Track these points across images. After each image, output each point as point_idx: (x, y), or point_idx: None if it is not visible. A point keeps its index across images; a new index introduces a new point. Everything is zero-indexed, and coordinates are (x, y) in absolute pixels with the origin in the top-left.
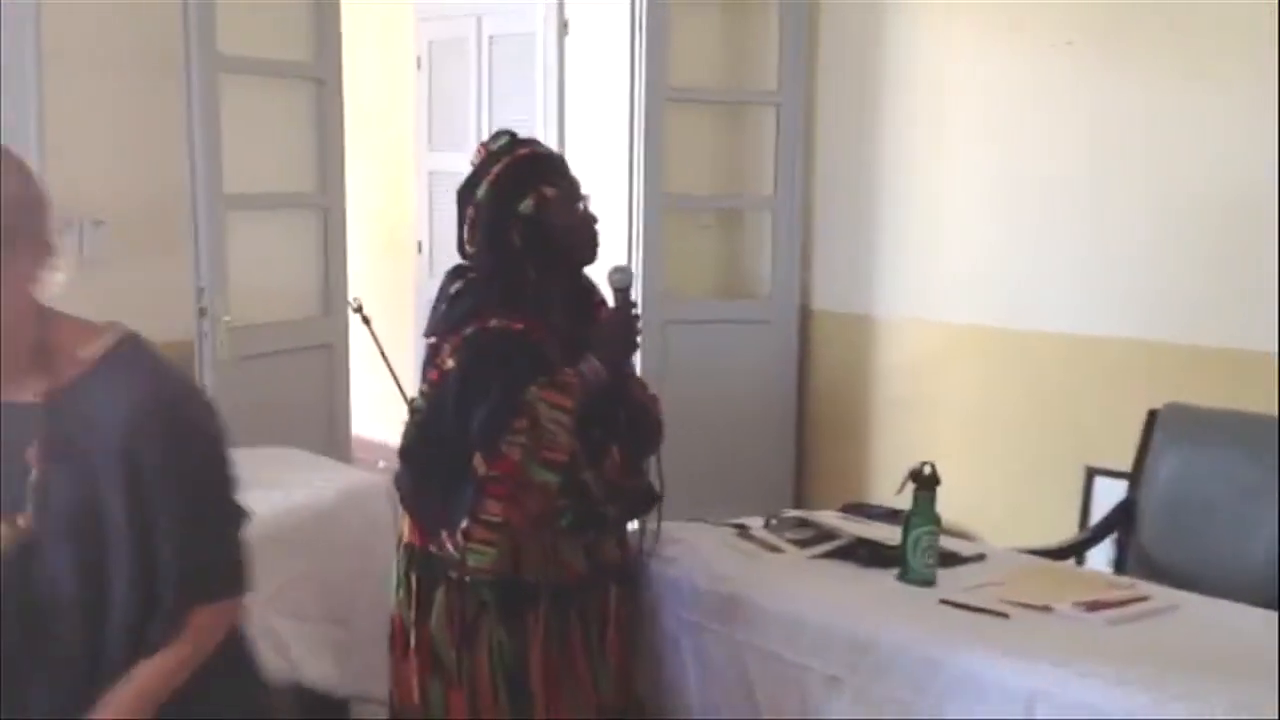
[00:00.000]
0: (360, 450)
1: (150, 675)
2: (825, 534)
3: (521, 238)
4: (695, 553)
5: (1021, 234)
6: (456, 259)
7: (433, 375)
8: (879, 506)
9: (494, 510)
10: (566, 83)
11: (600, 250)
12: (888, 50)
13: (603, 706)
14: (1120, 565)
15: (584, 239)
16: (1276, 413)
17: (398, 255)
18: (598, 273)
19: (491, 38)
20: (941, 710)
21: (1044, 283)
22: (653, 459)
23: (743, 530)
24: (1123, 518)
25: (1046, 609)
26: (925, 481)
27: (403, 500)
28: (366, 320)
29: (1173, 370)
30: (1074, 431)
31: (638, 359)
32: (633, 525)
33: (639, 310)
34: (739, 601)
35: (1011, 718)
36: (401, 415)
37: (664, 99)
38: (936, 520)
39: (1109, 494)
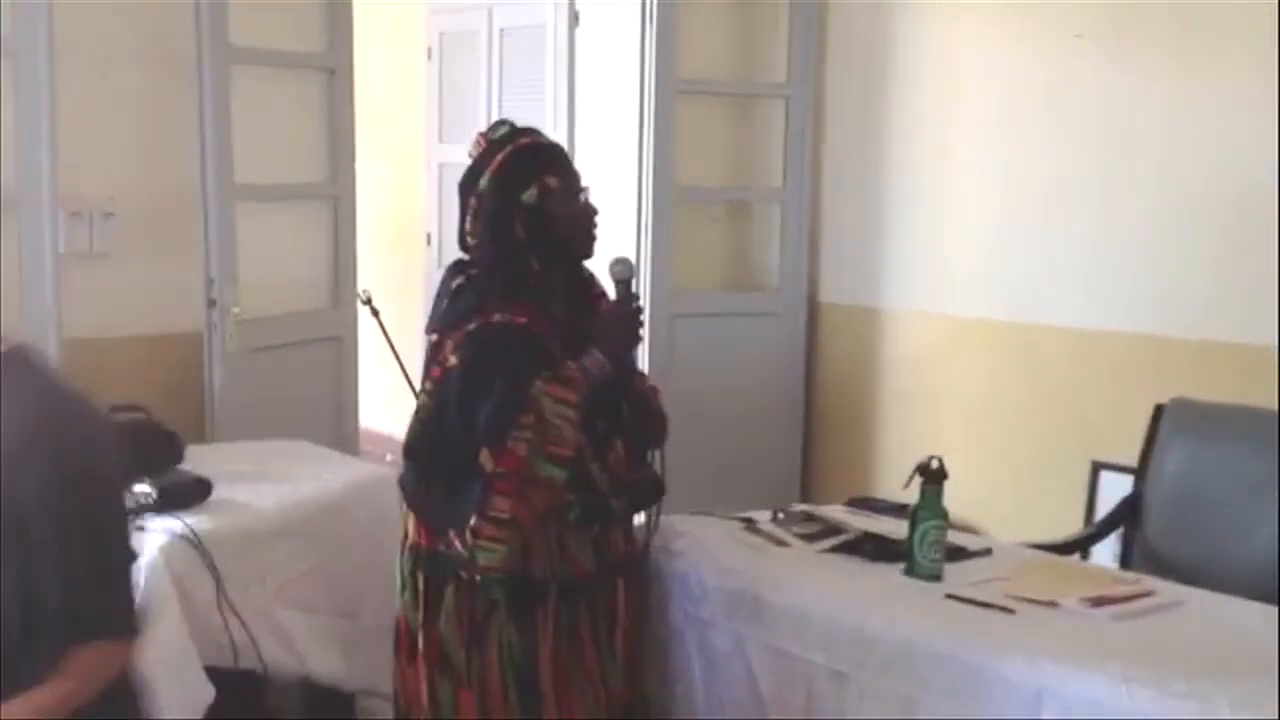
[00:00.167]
0: (368, 443)
1: (25, 708)
2: (832, 528)
3: (525, 228)
4: (701, 546)
5: (1028, 228)
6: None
7: (436, 373)
8: (885, 500)
9: (502, 507)
10: (577, 75)
11: (598, 244)
12: (897, 44)
13: (611, 701)
14: (1126, 560)
15: (583, 231)
16: (1278, 407)
17: (407, 247)
18: (598, 265)
19: (502, 30)
20: (947, 706)
21: (1051, 277)
22: (656, 454)
23: (750, 524)
24: (1128, 513)
25: (1052, 604)
26: (933, 476)
27: (407, 500)
28: (375, 312)
29: (1179, 365)
30: (1080, 426)
31: (643, 353)
32: (638, 519)
33: (640, 302)
34: (745, 596)
35: (1017, 714)
36: (410, 408)
37: (674, 91)
38: (944, 515)
39: (1115, 489)
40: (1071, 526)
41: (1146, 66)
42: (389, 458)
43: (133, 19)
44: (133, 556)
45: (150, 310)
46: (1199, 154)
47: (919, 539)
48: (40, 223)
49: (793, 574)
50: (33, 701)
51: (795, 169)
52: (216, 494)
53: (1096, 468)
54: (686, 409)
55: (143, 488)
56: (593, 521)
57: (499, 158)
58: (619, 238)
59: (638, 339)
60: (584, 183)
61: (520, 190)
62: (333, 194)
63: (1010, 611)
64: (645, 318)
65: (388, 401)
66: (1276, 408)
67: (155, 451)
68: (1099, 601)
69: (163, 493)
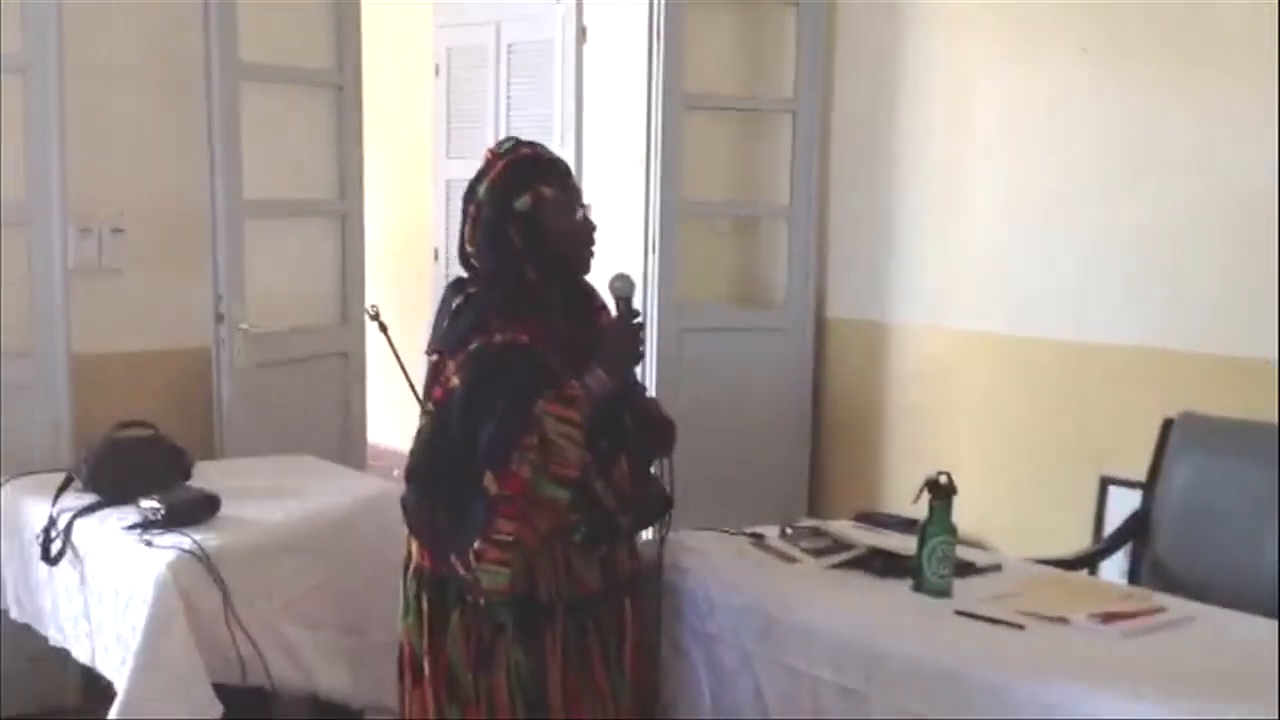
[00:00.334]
0: (376, 458)
1: None
2: (840, 544)
3: (520, 235)
4: (709, 562)
5: (1035, 242)
6: None
7: (437, 394)
8: (893, 515)
9: (506, 529)
10: (584, 89)
11: (605, 259)
12: (904, 59)
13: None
14: (1134, 576)
15: (580, 247)
16: (1277, 421)
17: (415, 263)
18: (599, 281)
19: (510, 45)
20: None
21: (1057, 291)
22: (665, 466)
23: (758, 539)
24: (1137, 528)
25: (1062, 621)
26: (941, 491)
27: (409, 524)
28: (383, 327)
29: (1188, 379)
30: (1088, 441)
31: (650, 367)
32: (646, 534)
33: (642, 318)
34: (753, 611)
35: None
36: (417, 423)
37: (681, 106)
38: (953, 530)
39: (1123, 503)
40: (1079, 541)
41: (1151, 81)
42: (396, 473)
43: (143, 36)
44: None
45: (159, 325)
46: (1204, 167)
47: (928, 555)
48: (50, 238)
49: (801, 590)
50: None
51: (802, 184)
52: (224, 510)
53: (1104, 482)
54: (693, 424)
55: (150, 503)
56: (599, 541)
57: (498, 167)
58: (626, 252)
59: (639, 355)
60: (585, 199)
61: (515, 197)
62: (341, 210)
63: (1020, 628)
64: (647, 334)
65: (395, 416)
66: (1278, 422)
67: (163, 467)
68: (1109, 618)
69: (171, 509)
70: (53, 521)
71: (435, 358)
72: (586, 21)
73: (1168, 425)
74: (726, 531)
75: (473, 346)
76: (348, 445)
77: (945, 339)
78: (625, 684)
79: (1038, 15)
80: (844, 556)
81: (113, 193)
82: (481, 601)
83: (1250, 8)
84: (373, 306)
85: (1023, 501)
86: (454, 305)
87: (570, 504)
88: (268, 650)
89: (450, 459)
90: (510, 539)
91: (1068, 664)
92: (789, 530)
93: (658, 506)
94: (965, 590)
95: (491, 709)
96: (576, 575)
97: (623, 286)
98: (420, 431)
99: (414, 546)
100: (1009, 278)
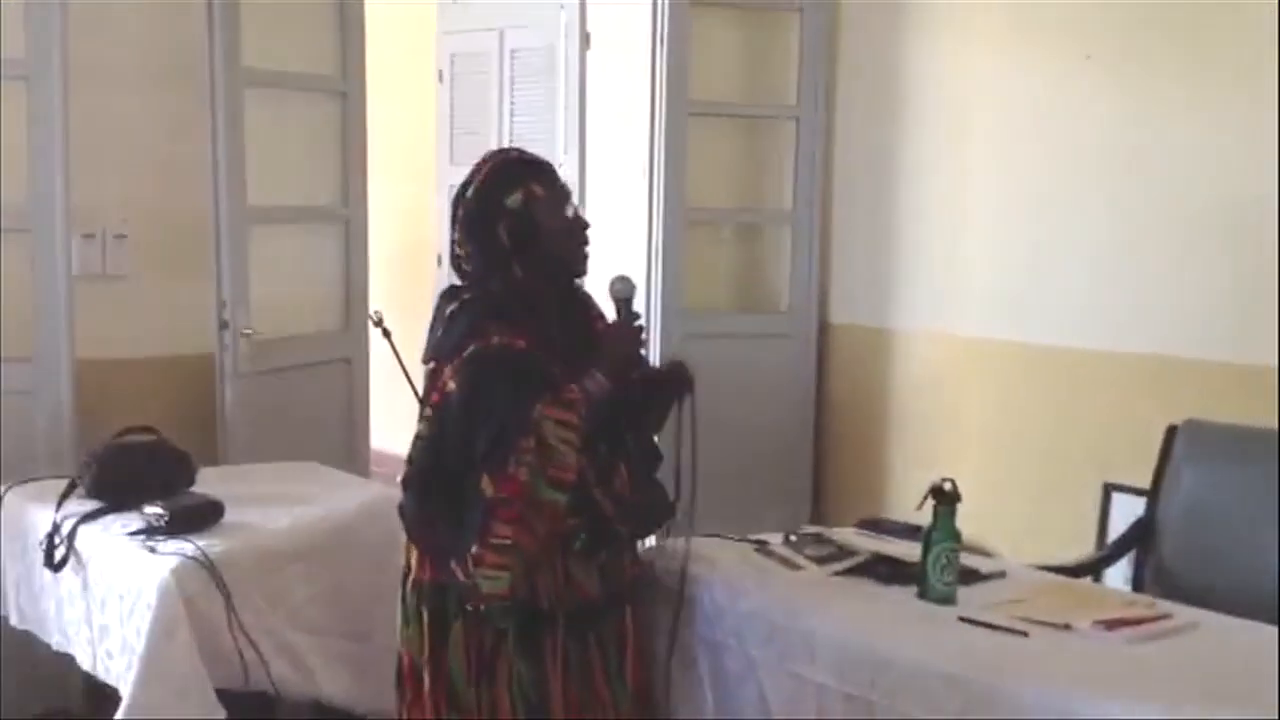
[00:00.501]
0: (379, 464)
1: None
2: (845, 551)
3: (509, 233)
4: (713, 569)
5: (1038, 248)
6: None
7: (434, 399)
8: (897, 521)
9: (503, 533)
10: (588, 96)
11: (597, 265)
12: (907, 65)
13: None
14: (1138, 583)
15: (573, 245)
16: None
17: (418, 268)
18: (599, 284)
19: (513, 51)
20: None
21: (1062, 297)
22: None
23: (762, 546)
24: (1141, 534)
25: (1066, 628)
26: (946, 498)
27: (408, 531)
28: (387, 333)
29: (1192, 386)
30: (1092, 447)
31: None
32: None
33: (642, 321)
34: (757, 618)
35: None
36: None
37: (684, 112)
38: (957, 537)
39: (1127, 510)
40: (1082, 548)
41: (1155, 88)
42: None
43: (146, 42)
44: None
45: (162, 332)
46: (1210, 174)
47: (932, 562)
48: (53, 244)
49: (805, 597)
50: None
51: (805, 190)
52: (228, 516)
53: (1108, 489)
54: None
55: (154, 509)
56: (599, 548)
57: (487, 167)
58: (630, 258)
59: (640, 359)
60: (587, 201)
61: (506, 195)
62: (344, 216)
63: (1024, 635)
64: (649, 338)
65: (399, 422)
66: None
67: (167, 473)
68: (1113, 625)
69: (174, 515)
70: (56, 528)
71: (432, 366)
72: (590, 28)
73: (1171, 432)
74: (730, 538)
75: (468, 351)
76: (351, 451)
77: (948, 345)
78: (627, 693)
79: (1041, 21)
80: (848, 563)
81: (116, 198)
82: (482, 608)
83: (1253, 13)
84: (376, 312)
85: (1027, 508)
86: (448, 312)
87: (569, 509)
88: (271, 656)
89: (447, 464)
90: (508, 543)
91: (1072, 671)
92: (793, 537)
93: (659, 513)
94: (969, 597)
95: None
96: (576, 583)
97: (623, 289)
98: (417, 437)
99: (413, 558)
100: (1012, 284)
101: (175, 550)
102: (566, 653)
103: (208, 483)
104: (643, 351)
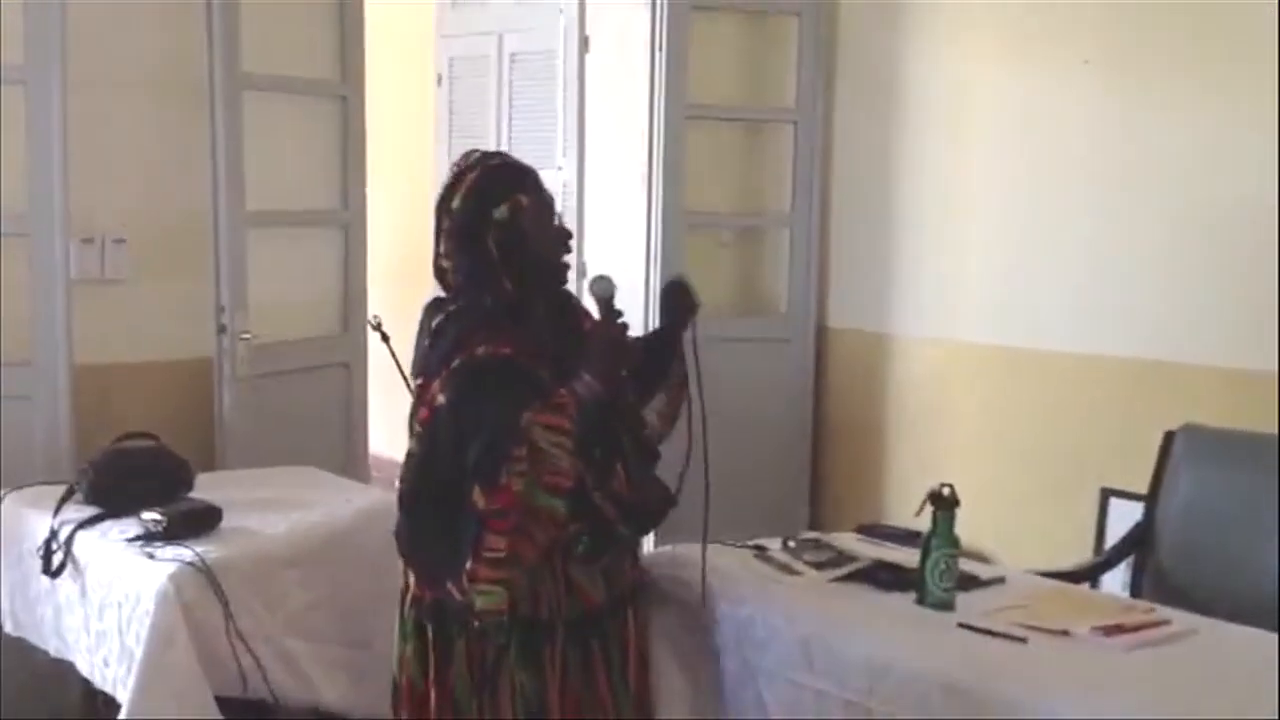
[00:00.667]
0: (378, 469)
1: None
2: (843, 556)
3: (498, 245)
4: (712, 574)
5: (1037, 253)
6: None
7: (424, 414)
8: (896, 527)
9: (497, 545)
10: (587, 100)
11: (610, 267)
12: (906, 69)
13: None
14: (1136, 588)
15: (558, 256)
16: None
17: (417, 273)
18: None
19: (513, 55)
20: None
21: (1061, 302)
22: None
23: (760, 552)
24: (1139, 540)
25: (1065, 634)
26: (945, 503)
27: (402, 552)
28: (386, 338)
29: (1190, 391)
30: (1090, 452)
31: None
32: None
33: (625, 319)
34: (755, 624)
35: None
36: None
37: (683, 116)
38: (956, 543)
39: (1125, 516)
40: (1080, 553)
41: (1154, 92)
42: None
43: (145, 46)
44: None
45: (161, 336)
46: (1207, 178)
47: (931, 568)
48: (52, 248)
49: (804, 603)
50: None
51: (804, 194)
52: (226, 521)
53: (1106, 494)
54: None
55: (152, 515)
56: (602, 552)
57: (471, 177)
58: (628, 262)
59: (626, 358)
60: (585, 203)
61: (493, 206)
62: (344, 220)
63: (1022, 641)
64: (631, 334)
65: (398, 427)
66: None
67: (165, 479)
68: (1111, 631)
69: (172, 520)
70: (54, 533)
71: (420, 382)
72: (589, 32)
73: (1169, 437)
74: (728, 543)
75: (455, 363)
76: (350, 456)
77: (947, 350)
78: (629, 696)
79: (1039, 26)
80: (847, 569)
81: (115, 203)
82: (478, 624)
83: (1252, 18)
84: (375, 317)
85: (1025, 514)
86: (434, 325)
87: (568, 514)
88: (269, 662)
89: (439, 478)
90: (502, 555)
91: (1070, 677)
92: (791, 543)
93: (659, 508)
94: (968, 603)
95: None
96: (579, 589)
97: (603, 288)
98: (409, 456)
99: (411, 576)
100: (1011, 289)
101: (173, 556)
102: (565, 660)
103: (206, 488)
104: (631, 348)
